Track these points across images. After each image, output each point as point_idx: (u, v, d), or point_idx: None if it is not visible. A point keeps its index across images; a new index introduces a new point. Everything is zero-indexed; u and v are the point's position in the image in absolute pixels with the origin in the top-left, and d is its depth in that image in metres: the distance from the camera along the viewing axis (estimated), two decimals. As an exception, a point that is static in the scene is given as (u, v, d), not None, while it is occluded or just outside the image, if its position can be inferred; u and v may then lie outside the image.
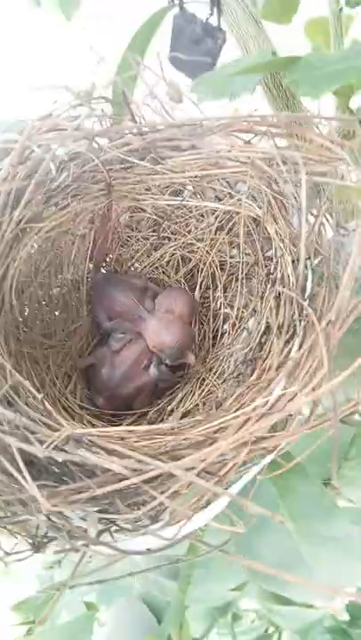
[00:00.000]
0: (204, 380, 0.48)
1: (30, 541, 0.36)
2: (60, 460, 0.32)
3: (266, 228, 0.44)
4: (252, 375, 0.40)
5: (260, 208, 0.44)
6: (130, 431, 0.36)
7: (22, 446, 0.31)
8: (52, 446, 0.32)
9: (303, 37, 0.81)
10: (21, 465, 0.31)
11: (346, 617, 0.62)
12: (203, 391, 0.46)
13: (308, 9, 0.72)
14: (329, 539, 0.40)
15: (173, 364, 0.49)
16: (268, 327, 0.42)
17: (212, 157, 0.45)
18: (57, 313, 0.51)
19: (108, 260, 0.54)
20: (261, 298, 0.45)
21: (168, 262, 0.54)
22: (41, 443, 0.32)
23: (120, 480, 0.32)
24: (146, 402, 0.49)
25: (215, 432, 0.34)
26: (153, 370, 0.49)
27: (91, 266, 0.53)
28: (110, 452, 0.33)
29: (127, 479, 0.31)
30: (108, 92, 0.47)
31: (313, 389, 0.33)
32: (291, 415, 0.34)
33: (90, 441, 0.34)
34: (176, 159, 0.45)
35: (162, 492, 0.32)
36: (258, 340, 0.42)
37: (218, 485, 0.32)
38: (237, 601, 0.80)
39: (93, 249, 0.52)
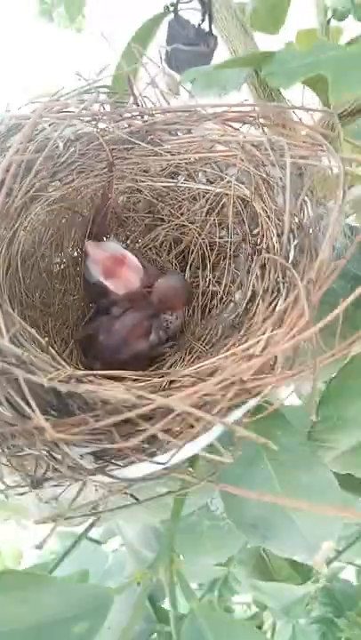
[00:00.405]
0: (193, 347, 0.51)
1: (29, 478, 0.39)
2: (63, 390, 0.35)
3: (253, 207, 0.48)
4: (239, 333, 0.44)
5: (248, 189, 0.49)
6: (125, 376, 0.39)
7: (29, 377, 0.34)
8: (56, 380, 0.35)
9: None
10: (28, 395, 0.34)
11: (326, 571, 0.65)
12: (192, 357, 0.50)
13: (298, 20, 0.78)
14: (310, 490, 0.43)
15: (176, 322, 0.53)
16: (253, 295, 0.46)
17: (205, 142, 0.49)
18: (55, 285, 0.54)
19: (105, 239, 0.58)
20: (248, 272, 0.49)
21: (161, 243, 0.58)
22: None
23: (118, 414, 0.35)
24: (138, 369, 0.52)
25: (207, 375, 0.37)
26: (153, 336, 0.52)
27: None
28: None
29: (124, 413, 0.34)
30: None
31: (294, 335, 0.37)
32: (275, 361, 0.38)
33: (90, 381, 0.37)
34: (173, 142, 0.49)
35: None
36: (244, 306, 0.46)
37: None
38: (224, 580, 0.82)
39: (93, 226, 0.55)
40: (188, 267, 0.57)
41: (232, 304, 0.51)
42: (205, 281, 0.55)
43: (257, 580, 0.78)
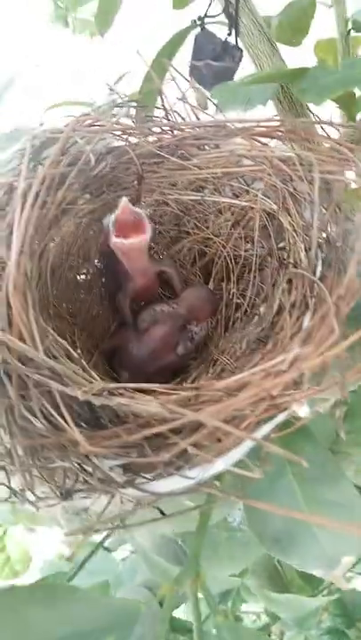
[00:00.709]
0: (217, 360, 0.51)
1: (59, 489, 0.39)
2: (98, 403, 0.35)
3: (280, 221, 0.48)
4: (265, 348, 0.44)
5: (275, 203, 0.49)
6: (155, 388, 0.40)
7: (64, 389, 0.35)
8: (90, 393, 0.36)
9: (312, 57, 0.87)
10: (63, 408, 0.35)
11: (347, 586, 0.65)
12: (216, 369, 0.50)
13: (318, 30, 0.78)
14: (334, 504, 0.44)
15: (200, 333, 0.53)
16: (280, 309, 0.47)
17: (233, 156, 0.49)
18: (82, 296, 0.55)
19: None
20: (273, 286, 0.49)
21: (186, 256, 0.59)
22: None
23: (149, 428, 0.35)
24: (164, 380, 0.52)
25: (235, 390, 0.38)
26: (180, 348, 0.53)
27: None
28: (142, 402, 0.37)
29: (156, 427, 0.35)
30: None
31: (323, 352, 0.37)
32: (303, 376, 0.38)
33: (121, 394, 0.38)
34: (201, 157, 0.49)
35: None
36: (270, 320, 0.46)
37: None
38: (238, 592, 0.82)
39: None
40: (212, 279, 0.58)
41: (257, 317, 0.51)
42: (229, 293, 0.56)
43: (270, 591, 0.78)
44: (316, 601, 0.75)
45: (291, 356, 0.37)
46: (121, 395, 0.37)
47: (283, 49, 0.71)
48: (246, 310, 0.53)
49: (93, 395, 0.36)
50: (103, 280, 0.57)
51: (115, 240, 0.48)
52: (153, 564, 0.75)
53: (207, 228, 0.56)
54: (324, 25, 0.82)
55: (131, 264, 0.51)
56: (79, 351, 0.51)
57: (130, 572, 0.84)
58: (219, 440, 0.35)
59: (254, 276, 0.53)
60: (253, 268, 0.52)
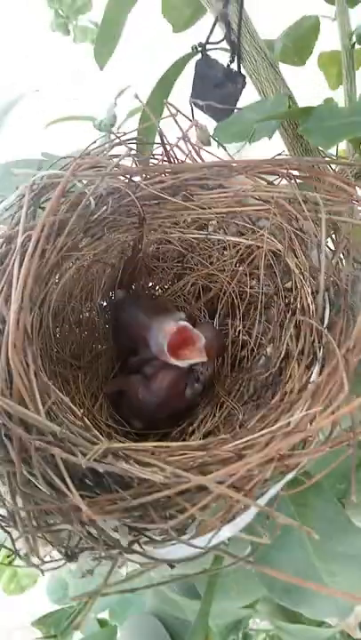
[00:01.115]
0: (223, 402, 0.50)
1: (63, 551, 0.38)
2: (101, 470, 0.34)
3: (286, 262, 0.47)
4: (272, 398, 0.43)
5: (280, 243, 0.48)
6: (162, 446, 0.39)
7: (68, 457, 0.34)
8: (92, 458, 0.35)
9: (316, 70, 0.86)
10: (66, 475, 0.34)
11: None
12: (223, 413, 0.49)
13: (320, 42, 0.77)
14: (345, 556, 0.43)
15: (206, 373, 0.52)
16: (287, 353, 0.45)
17: (237, 196, 0.48)
18: (85, 336, 0.54)
19: (134, 287, 0.58)
20: (280, 326, 0.48)
21: (190, 291, 0.58)
22: (83, 455, 0.35)
23: (154, 492, 0.34)
24: (173, 423, 0.52)
25: (242, 449, 0.37)
26: (188, 391, 0.52)
27: (120, 292, 0.56)
28: (145, 466, 0.36)
29: (161, 491, 0.34)
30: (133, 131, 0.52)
31: (333, 412, 0.36)
32: (311, 435, 0.37)
33: (125, 455, 0.37)
34: (204, 197, 0.48)
35: (193, 505, 0.35)
36: (278, 365, 0.45)
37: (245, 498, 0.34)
38: (248, 620, 0.81)
39: (123, 277, 0.55)
40: (217, 315, 0.56)
41: (263, 358, 0.50)
42: (235, 330, 0.55)
43: (280, 619, 0.77)
44: (327, 631, 0.74)
45: (300, 417, 0.36)
46: (125, 457, 0.36)
47: (286, 66, 0.70)
48: (253, 349, 0.52)
49: (96, 460, 0.35)
50: (115, 328, 0.57)
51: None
52: (162, 596, 0.74)
53: (211, 264, 0.55)
54: (326, 37, 0.81)
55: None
56: (82, 395, 0.50)
57: (136, 600, 0.83)
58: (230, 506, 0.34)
59: (260, 315, 0.51)
60: (260, 307, 0.51)
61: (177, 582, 0.70)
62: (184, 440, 0.49)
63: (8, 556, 0.39)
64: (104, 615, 0.70)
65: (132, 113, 1.14)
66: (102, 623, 0.64)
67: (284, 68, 0.67)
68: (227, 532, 0.35)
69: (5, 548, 0.38)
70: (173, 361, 0.49)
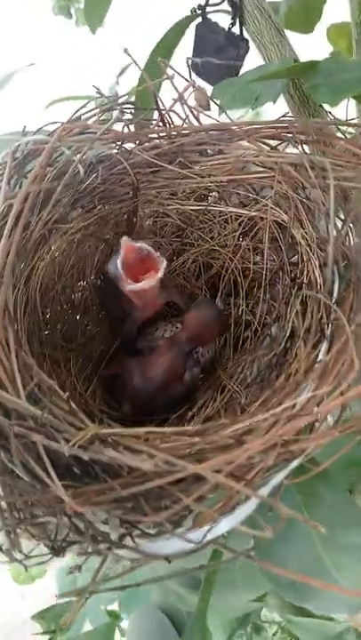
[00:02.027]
0: (225, 386, 0.47)
1: (49, 545, 0.36)
2: (86, 458, 0.31)
3: (292, 233, 0.44)
4: (276, 380, 0.40)
5: (285, 213, 0.44)
6: (155, 432, 0.35)
7: (49, 444, 0.31)
8: (77, 445, 0.32)
9: (324, 42, 0.82)
10: (47, 463, 0.31)
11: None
12: (224, 397, 0.46)
13: (329, 14, 0.72)
14: (354, 548, 0.40)
15: (207, 355, 0.48)
16: (293, 332, 0.42)
17: (239, 163, 0.45)
18: (78, 317, 0.51)
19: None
20: (286, 303, 0.44)
21: (190, 269, 0.54)
22: (67, 441, 0.32)
23: (146, 481, 0.31)
24: (170, 409, 0.48)
25: (242, 435, 0.33)
26: (187, 376, 0.48)
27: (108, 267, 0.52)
28: (135, 453, 0.33)
29: (152, 480, 0.31)
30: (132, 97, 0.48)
31: (342, 393, 0.33)
32: (318, 419, 0.34)
33: (114, 441, 0.34)
34: (203, 164, 0.45)
35: (187, 495, 0.32)
36: (283, 345, 0.42)
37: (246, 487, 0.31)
38: (258, 612, 0.78)
39: (117, 253, 0.51)
40: (219, 293, 0.53)
41: (268, 339, 0.47)
42: (238, 309, 0.51)
43: (289, 613, 0.75)
44: (337, 626, 0.71)
45: (306, 399, 0.32)
46: (114, 444, 0.33)
47: (292, 35, 0.66)
48: (257, 329, 0.48)
49: (81, 447, 0.31)
50: (102, 303, 0.53)
51: (129, 287, 0.44)
52: (167, 589, 0.72)
53: (212, 239, 0.51)
54: (335, 8, 0.76)
55: (142, 301, 0.47)
56: (74, 378, 0.47)
57: (144, 592, 0.81)
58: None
59: (265, 292, 0.48)
60: (264, 284, 0.48)
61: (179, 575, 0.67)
62: (183, 426, 0.46)
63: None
64: (115, 607, 0.67)
65: (133, 91, 1.10)
66: (111, 614, 0.62)
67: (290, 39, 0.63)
68: (225, 525, 0.32)
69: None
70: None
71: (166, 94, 0.48)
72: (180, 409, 0.48)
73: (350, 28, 0.68)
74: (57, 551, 0.35)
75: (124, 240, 0.42)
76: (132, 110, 0.46)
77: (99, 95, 1.12)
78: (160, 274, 0.43)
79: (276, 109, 0.54)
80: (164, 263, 0.43)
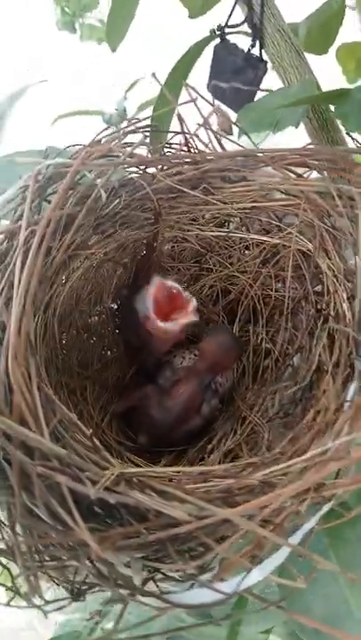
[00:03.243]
0: (245, 418, 0.46)
1: (69, 588, 0.34)
2: (112, 501, 0.30)
3: (317, 263, 0.43)
4: (302, 416, 0.39)
5: (310, 242, 0.43)
6: (180, 472, 0.34)
7: (75, 486, 0.29)
8: (103, 487, 0.30)
9: (332, 62, 0.81)
10: (72, 506, 0.30)
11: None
12: (245, 430, 0.45)
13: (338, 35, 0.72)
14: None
15: (226, 385, 0.47)
16: (318, 366, 0.41)
17: (263, 190, 0.44)
18: (93, 341, 0.50)
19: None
20: (310, 334, 0.43)
21: (207, 294, 0.53)
22: (92, 482, 0.30)
23: (174, 526, 0.30)
24: (189, 442, 0.47)
25: (273, 477, 0.32)
26: (205, 408, 0.47)
27: (124, 290, 0.51)
28: (162, 494, 0.32)
29: (180, 525, 0.29)
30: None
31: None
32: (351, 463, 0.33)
33: (140, 481, 0.32)
34: (226, 190, 0.44)
35: (215, 541, 0.30)
36: (308, 378, 0.41)
37: (277, 535, 0.30)
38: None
39: (135, 278, 0.50)
40: (237, 320, 0.52)
41: (290, 369, 0.45)
42: (257, 337, 0.50)
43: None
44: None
45: (340, 443, 0.31)
46: (140, 484, 0.32)
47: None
48: (277, 359, 0.47)
49: (107, 489, 0.30)
50: (120, 329, 0.52)
51: (161, 325, 0.43)
52: (175, 616, 0.70)
53: (231, 265, 0.50)
54: (345, 28, 0.76)
55: (168, 337, 0.46)
56: (90, 408, 0.45)
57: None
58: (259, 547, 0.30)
59: (286, 321, 0.47)
60: (285, 312, 0.46)
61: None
62: (202, 459, 0.44)
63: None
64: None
65: (142, 106, 1.10)
66: None
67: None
68: (257, 574, 0.30)
69: (3, 586, 0.33)
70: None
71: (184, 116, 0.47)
72: (199, 440, 0.47)
73: (360, 49, 0.68)
74: (76, 595, 0.34)
75: (157, 279, 0.42)
76: (154, 131, 0.45)
77: (107, 111, 1.11)
78: (194, 316, 0.42)
79: (291, 132, 0.53)
80: (194, 302, 0.43)
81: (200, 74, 0.66)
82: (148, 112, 0.81)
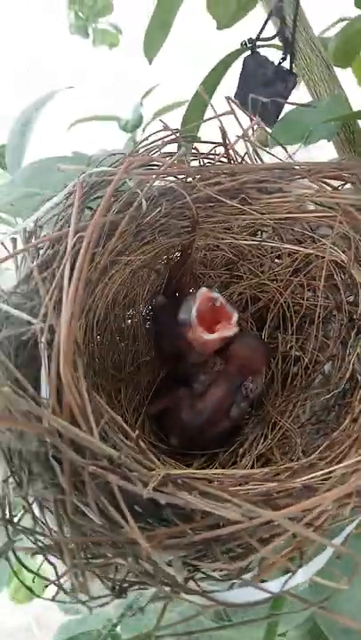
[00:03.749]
0: (275, 423, 0.47)
1: (111, 585, 0.35)
2: (163, 502, 0.31)
3: (351, 273, 0.44)
4: (338, 422, 0.40)
5: (344, 253, 0.44)
6: (222, 474, 0.35)
7: (126, 485, 0.30)
8: (152, 487, 0.31)
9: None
10: (123, 505, 0.31)
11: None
12: (276, 435, 0.46)
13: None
14: None
15: (256, 391, 0.48)
16: (352, 374, 0.42)
17: (299, 201, 0.45)
18: (126, 345, 0.51)
19: (177, 295, 0.54)
20: (342, 343, 0.44)
21: (237, 301, 0.54)
22: (141, 482, 0.31)
23: (220, 527, 0.31)
24: (219, 445, 0.48)
25: (317, 482, 0.33)
26: (234, 410, 0.48)
27: (160, 298, 0.52)
28: (206, 495, 0.32)
29: (224, 526, 0.30)
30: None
31: None
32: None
33: (185, 482, 0.33)
34: (263, 201, 0.45)
35: (259, 540, 0.31)
36: (342, 386, 0.42)
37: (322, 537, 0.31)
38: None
39: (167, 284, 0.51)
40: (266, 327, 0.53)
41: (320, 376, 0.46)
42: (286, 345, 0.51)
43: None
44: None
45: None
46: (186, 486, 0.33)
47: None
48: (307, 366, 0.48)
49: (157, 490, 0.31)
50: (156, 334, 0.53)
51: (206, 337, 0.45)
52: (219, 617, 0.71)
53: (262, 273, 0.51)
54: None
55: (208, 348, 0.47)
56: (124, 410, 0.46)
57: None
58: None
59: (317, 328, 0.48)
60: (316, 321, 0.47)
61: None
62: (235, 462, 0.45)
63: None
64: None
65: (158, 113, 1.11)
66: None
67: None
68: (302, 575, 0.31)
69: (50, 581, 0.34)
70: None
71: (212, 129, 0.48)
72: (230, 444, 0.48)
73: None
74: (119, 592, 0.35)
75: (203, 291, 0.43)
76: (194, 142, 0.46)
77: (123, 117, 1.12)
78: (236, 328, 0.43)
79: (319, 144, 0.54)
80: (236, 315, 0.44)
81: (226, 85, 0.67)
82: (166, 119, 0.82)
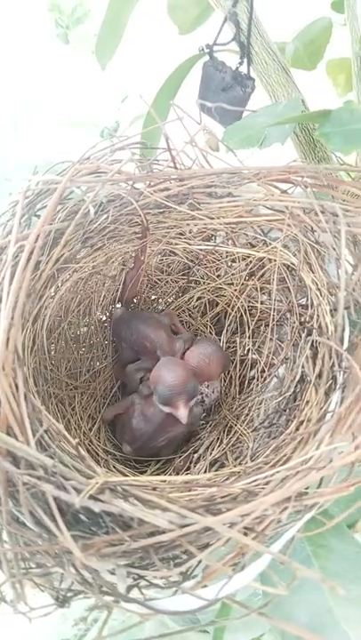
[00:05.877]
0: (231, 427, 0.46)
1: (54, 595, 0.35)
2: (97, 510, 0.30)
3: (301, 276, 0.44)
4: (286, 426, 0.39)
5: (294, 256, 0.44)
6: (165, 481, 0.35)
7: (59, 494, 0.30)
8: (87, 495, 0.31)
9: (321, 78, 0.83)
10: (57, 514, 0.30)
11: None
12: (230, 439, 0.45)
13: (328, 48, 0.73)
14: (364, 600, 0.39)
15: (212, 396, 0.48)
16: (302, 377, 0.42)
17: (248, 205, 0.45)
18: (82, 352, 0.50)
19: (135, 301, 0.54)
20: (294, 345, 0.44)
21: (195, 306, 0.54)
22: (77, 491, 0.31)
23: (157, 533, 0.30)
24: (173, 448, 0.48)
25: (255, 486, 0.33)
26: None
27: (118, 309, 0.52)
28: (146, 503, 0.32)
29: (164, 533, 0.30)
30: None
31: (358, 446, 0.32)
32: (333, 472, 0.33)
33: (124, 490, 0.33)
34: (213, 206, 0.45)
35: (198, 548, 0.31)
36: (292, 389, 0.41)
37: (259, 543, 0.31)
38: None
39: (123, 290, 0.51)
40: (224, 331, 0.53)
41: (275, 379, 0.46)
42: (244, 349, 0.51)
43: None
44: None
45: (322, 453, 0.32)
46: (124, 493, 0.32)
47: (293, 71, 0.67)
48: (263, 369, 0.48)
49: (92, 498, 0.31)
50: (115, 339, 0.53)
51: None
52: (163, 624, 0.70)
53: (218, 277, 0.51)
54: (334, 44, 0.78)
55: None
56: (78, 417, 0.46)
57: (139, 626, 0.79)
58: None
59: (272, 331, 0.48)
60: (271, 324, 0.47)
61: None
62: (188, 468, 0.45)
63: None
64: None
65: (135, 119, 1.11)
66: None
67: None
68: (238, 581, 0.31)
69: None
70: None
71: (172, 134, 0.48)
72: (185, 450, 0.47)
73: (349, 63, 0.69)
74: (62, 601, 0.34)
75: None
76: (141, 148, 0.46)
77: (101, 125, 1.12)
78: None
79: (279, 150, 0.54)
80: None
81: (191, 90, 0.67)
82: (139, 127, 0.82)
